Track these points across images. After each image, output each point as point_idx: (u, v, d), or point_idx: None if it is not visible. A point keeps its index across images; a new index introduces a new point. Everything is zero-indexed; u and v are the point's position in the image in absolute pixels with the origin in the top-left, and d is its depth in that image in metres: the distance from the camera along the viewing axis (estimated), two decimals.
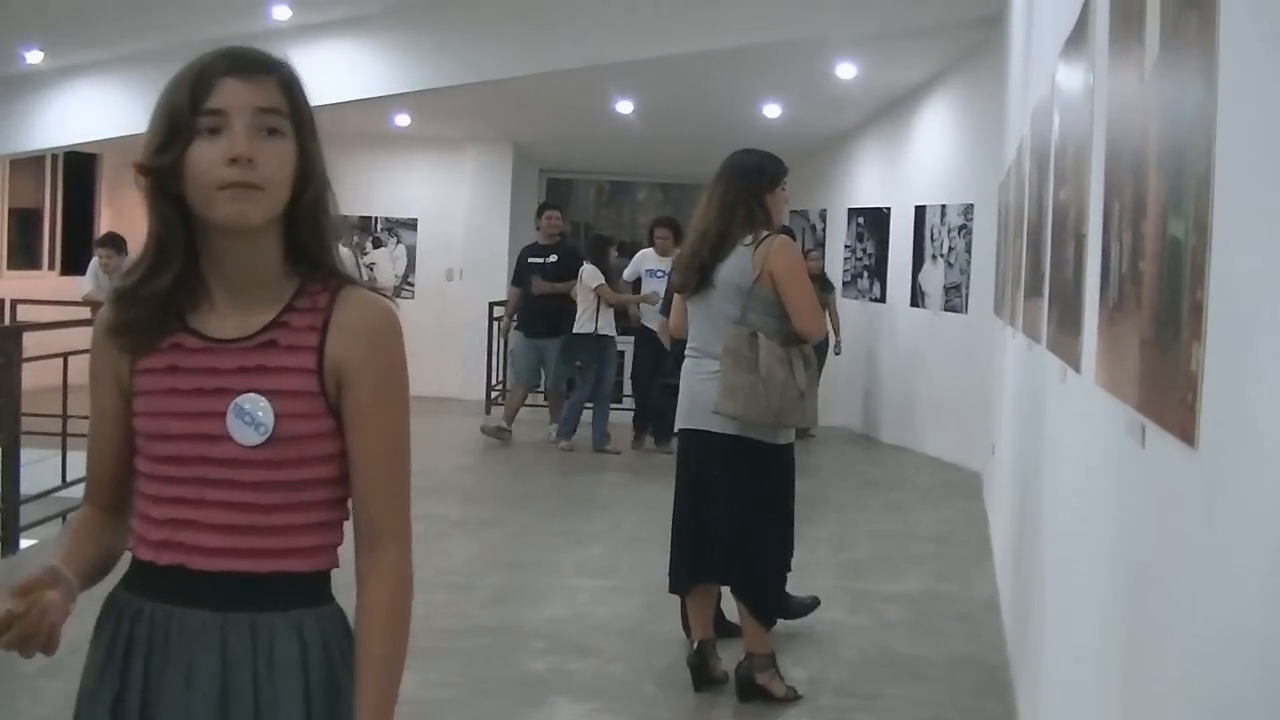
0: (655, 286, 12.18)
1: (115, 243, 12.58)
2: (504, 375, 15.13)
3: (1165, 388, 2.11)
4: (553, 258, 13.07)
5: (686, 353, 5.88)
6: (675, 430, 6.06)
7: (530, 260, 13.18)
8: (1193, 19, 1.99)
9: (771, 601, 5.89)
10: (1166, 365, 2.10)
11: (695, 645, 5.89)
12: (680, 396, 5.87)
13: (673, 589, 6.08)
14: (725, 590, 6.09)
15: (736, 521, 5.67)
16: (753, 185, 5.82)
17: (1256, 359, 1.61)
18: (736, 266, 5.61)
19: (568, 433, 12.59)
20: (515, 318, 13.59)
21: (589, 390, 12.76)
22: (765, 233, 5.70)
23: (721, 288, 5.63)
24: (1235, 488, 1.70)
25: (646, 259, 12.91)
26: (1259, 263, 1.61)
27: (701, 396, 5.65)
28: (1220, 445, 1.79)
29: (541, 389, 13.48)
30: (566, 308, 12.87)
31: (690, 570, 5.88)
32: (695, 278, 5.71)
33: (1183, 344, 1.97)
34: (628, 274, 13.42)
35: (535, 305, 13.03)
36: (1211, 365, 1.83)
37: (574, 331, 12.76)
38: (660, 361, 11.51)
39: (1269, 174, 1.58)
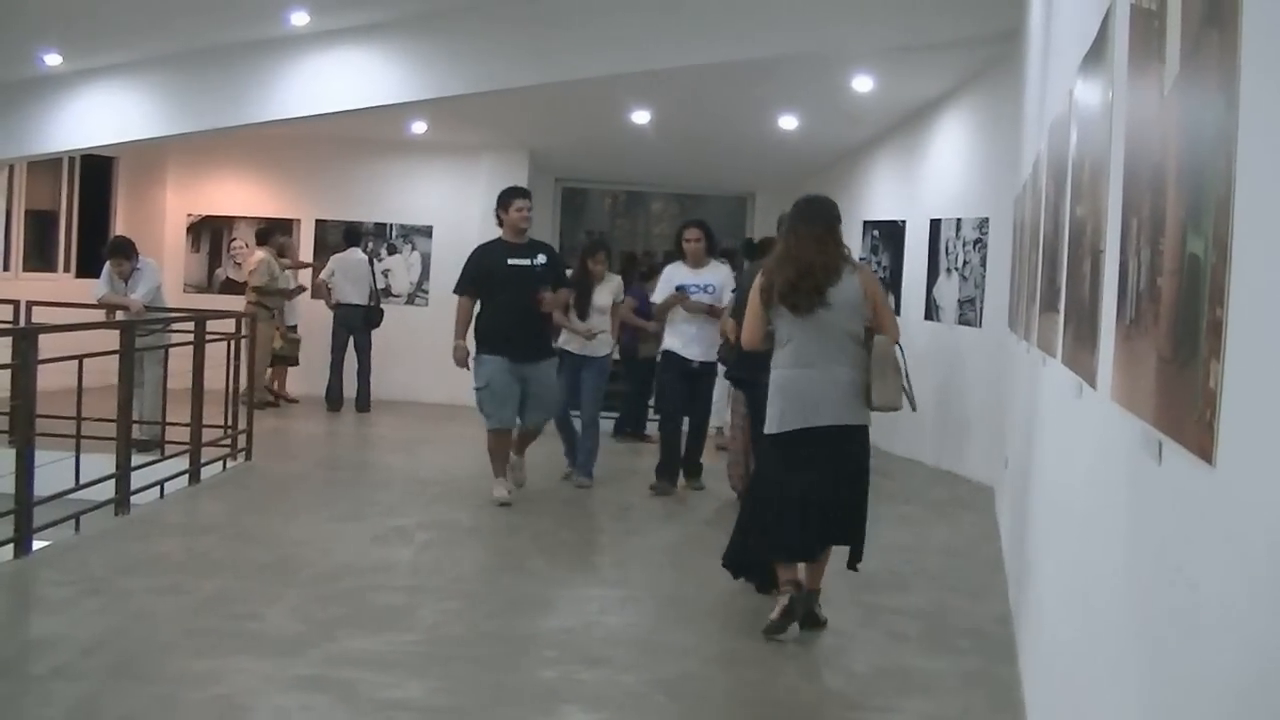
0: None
1: (123, 249, 12.62)
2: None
3: (1183, 404, 2.11)
4: (540, 258, 10.47)
5: (791, 364, 6.89)
6: (783, 429, 6.91)
7: (511, 263, 10.35)
8: (1214, 37, 1.99)
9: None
10: (1185, 382, 2.10)
11: (805, 593, 6.96)
12: (788, 401, 6.87)
13: (804, 556, 7.02)
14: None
15: (858, 492, 7.03)
16: (838, 224, 7.11)
17: (1275, 377, 1.61)
18: (850, 290, 6.83)
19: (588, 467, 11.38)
20: (482, 337, 10.36)
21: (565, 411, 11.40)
22: (858, 261, 7.21)
23: (839, 308, 6.79)
24: (1253, 505, 1.69)
25: (678, 274, 11.27)
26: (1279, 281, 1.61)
27: (824, 398, 6.80)
28: (1238, 463, 1.79)
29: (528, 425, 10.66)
30: (551, 322, 10.87)
31: (819, 541, 7.01)
32: (808, 301, 6.80)
33: (1201, 361, 1.97)
34: (657, 297, 11.43)
35: (528, 320, 10.30)
36: (1230, 383, 1.82)
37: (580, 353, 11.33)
38: (697, 389, 11.13)
39: None
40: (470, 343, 10.42)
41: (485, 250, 10.64)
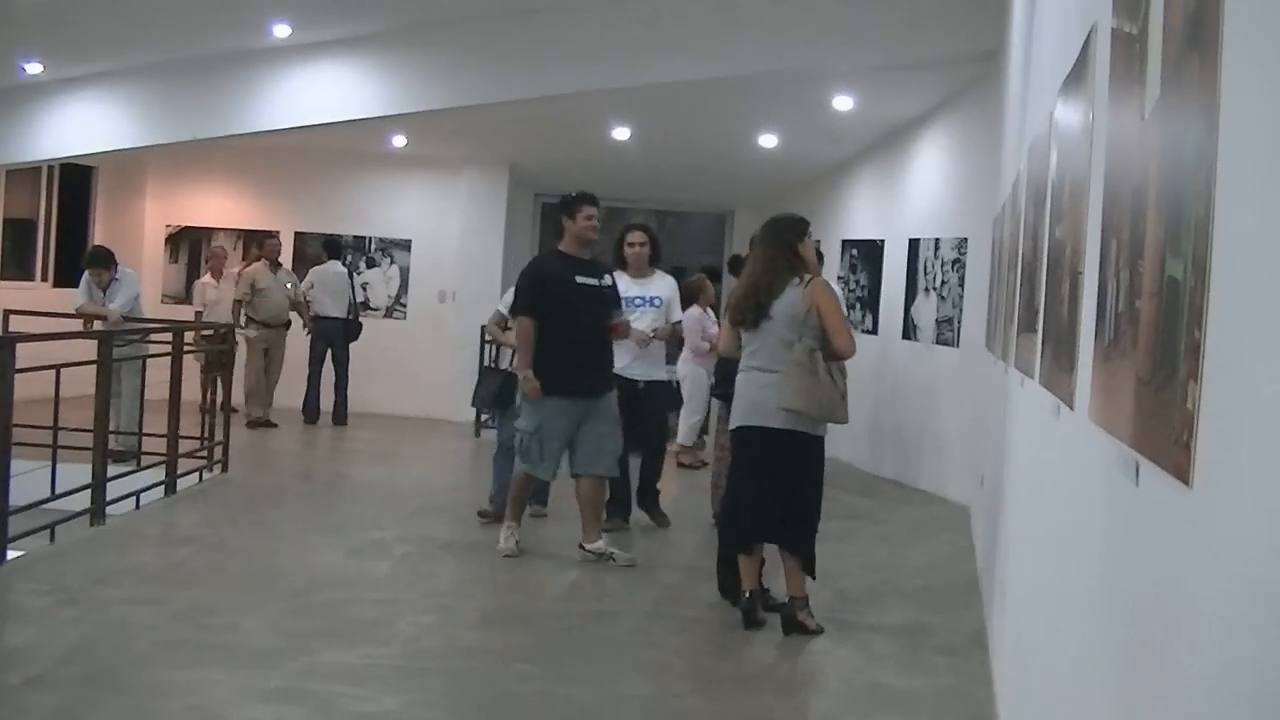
0: (636, 323, 9.73)
1: (102, 259, 12.60)
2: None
3: (1161, 426, 2.12)
4: (608, 278, 9.14)
5: (744, 368, 7.43)
6: (732, 427, 7.56)
7: (581, 281, 8.85)
8: (1195, 60, 2.01)
9: (812, 558, 7.40)
10: (1162, 404, 2.11)
11: (747, 594, 7.36)
12: (737, 401, 7.46)
13: (738, 549, 7.46)
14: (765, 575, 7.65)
15: (789, 494, 7.28)
16: (785, 240, 7.49)
17: (1253, 399, 1.62)
18: (789, 302, 7.27)
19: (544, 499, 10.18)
20: (539, 371, 8.70)
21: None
22: (808, 276, 7.39)
23: (778, 319, 7.27)
24: (1230, 526, 1.71)
25: (618, 285, 9.51)
26: (1258, 304, 1.62)
27: (762, 400, 7.27)
28: (1215, 484, 1.80)
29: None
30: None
31: (751, 533, 7.38)
32: (754, 314, 7.34)
33: (1179, 383, 1.98)
34: None
35: (598, 350, 8.94)
36: (1208, 405, 1.84)
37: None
38: (639, 415, 9.76)
39: (1269, 216, 1.59)
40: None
41: (546, 264, 9.06)
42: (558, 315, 8.68)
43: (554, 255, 9.14)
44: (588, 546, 8.92)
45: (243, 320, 15.03)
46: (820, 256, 10.77)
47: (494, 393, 10.16)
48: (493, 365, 10.45)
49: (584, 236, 8.96)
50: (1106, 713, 2.65)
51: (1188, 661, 1.93)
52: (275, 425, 15.26)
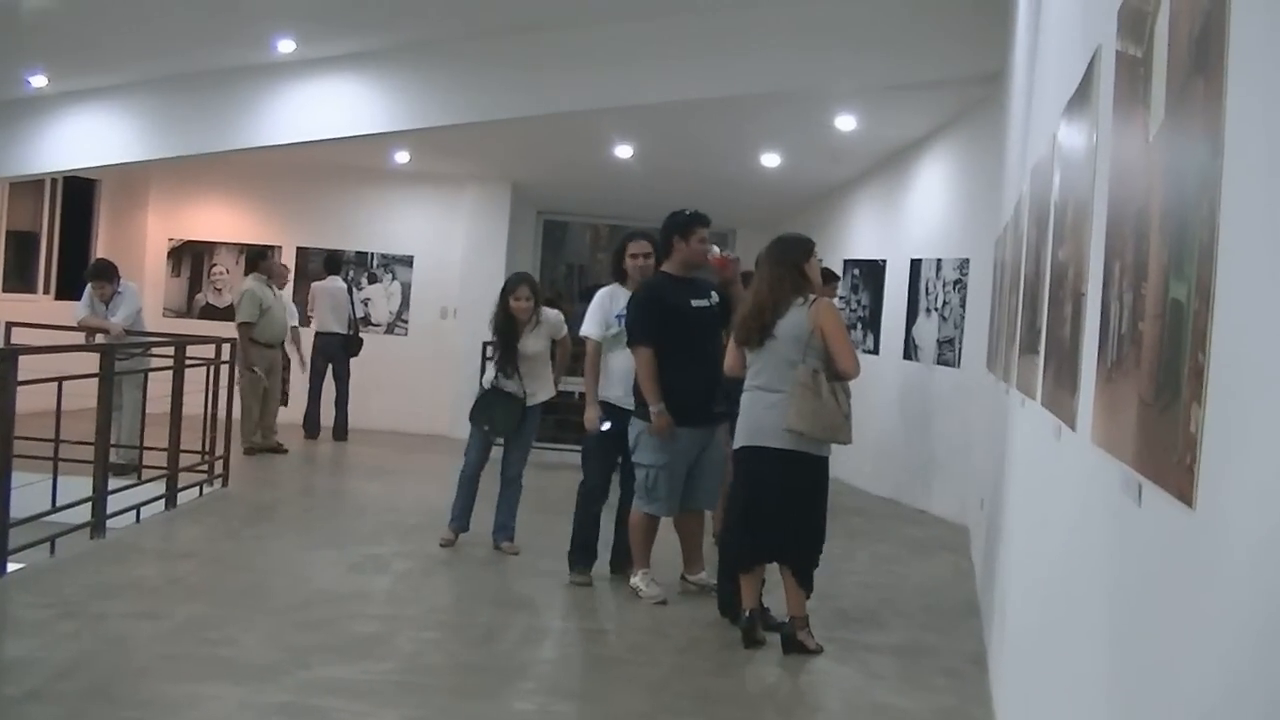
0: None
1: (105, 272, 12.61)
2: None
3: (1164, 448, 2.13)
4: (715, 296, 8.45)
5: (748, 388, 7.43)
6: (736, 447, 7.48)
7: (695, 305, 8.37)
8: (1199, 84, 2.02)
9: (810, 576, 7.42)
10: (1165, 426, 2.12)
11: (747, 613, 7.40)
12: (741, 421, 7.44)
13: (739, 568, 7.49)
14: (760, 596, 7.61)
15: (791, 515, 7.29)
16: (791, 260, 7.45)
17: (1255, 422, 1.63)
18: (794, 322, 7.27)
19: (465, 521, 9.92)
20: (669, 401, 8.22)
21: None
22: (812, 296, 7.37)
23: (783, 338, 7.28)
24: (1232, 548, 1.71)
25: (617, 300, 8.84)
26: (1261, 327, 1.63)
27: (765, 421, 7.28)
28: (1217, 505, 1.81)
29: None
30: None
31: (752, 553, 7.40)
32: (759, 333, 7.34)
33: (1182, 405, 1.99)
34: (591, 330, 8.89)
35: (714, 376, 8.09)
36: (1211, 427, 1.84)
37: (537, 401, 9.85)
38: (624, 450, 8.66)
39: (1273, 240, 1.60)
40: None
41: (659, 288, 8.39)
42: (675, 341, 8.22)
43: (665, 278, 8.44)
44: (691, 578, 8.70)
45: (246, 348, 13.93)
46: (835, 277, 10.75)
47: (514, 424, 9.70)
48: (498, 388, 9.73)
49: (694, 260, 8.40)
50: None
51: (1190, 682, 1.93)
52: (286, 450, 14.59)
